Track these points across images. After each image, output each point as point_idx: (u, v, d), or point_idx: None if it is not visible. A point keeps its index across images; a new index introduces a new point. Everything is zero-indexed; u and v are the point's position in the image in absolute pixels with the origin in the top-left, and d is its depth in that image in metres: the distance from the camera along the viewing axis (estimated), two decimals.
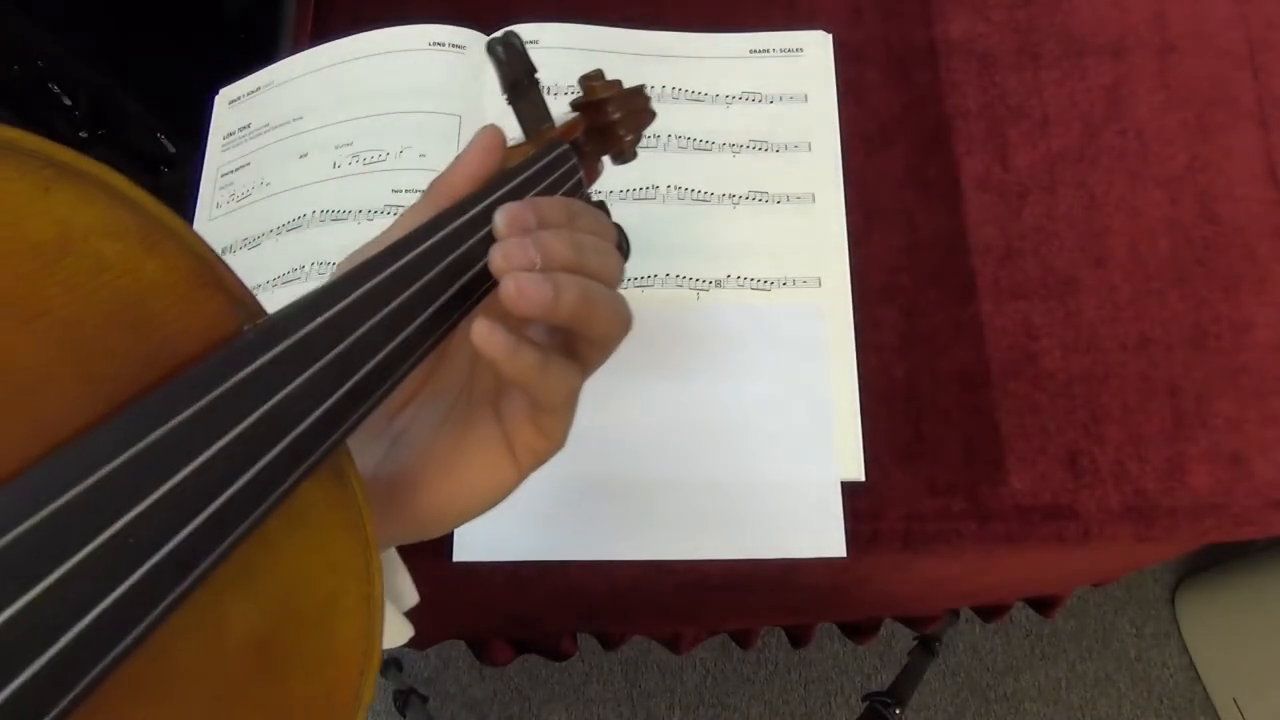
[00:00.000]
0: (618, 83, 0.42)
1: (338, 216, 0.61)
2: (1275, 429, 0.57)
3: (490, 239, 0.30)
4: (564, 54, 0.65)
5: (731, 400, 0.57)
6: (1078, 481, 0.56)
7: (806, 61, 0.66)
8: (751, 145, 0.63)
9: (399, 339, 0.27)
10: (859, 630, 0.94)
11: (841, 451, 0.55)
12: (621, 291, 0.32)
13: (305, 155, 0.64)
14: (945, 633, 0.95)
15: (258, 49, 0.69)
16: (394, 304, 0.27)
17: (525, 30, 0.65)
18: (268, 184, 0.64)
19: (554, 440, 0.33)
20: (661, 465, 0.55)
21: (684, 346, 0.58)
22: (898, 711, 0.83)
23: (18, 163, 0.19)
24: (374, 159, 0.62)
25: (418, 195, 0.61)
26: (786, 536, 0.54)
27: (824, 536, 0.54)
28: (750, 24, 0.67)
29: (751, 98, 0.64)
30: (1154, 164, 0.63)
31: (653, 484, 0.55)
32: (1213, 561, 1.39)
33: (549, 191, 0.36)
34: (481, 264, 0.30)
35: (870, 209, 0.62)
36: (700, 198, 0.62)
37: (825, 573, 0.62)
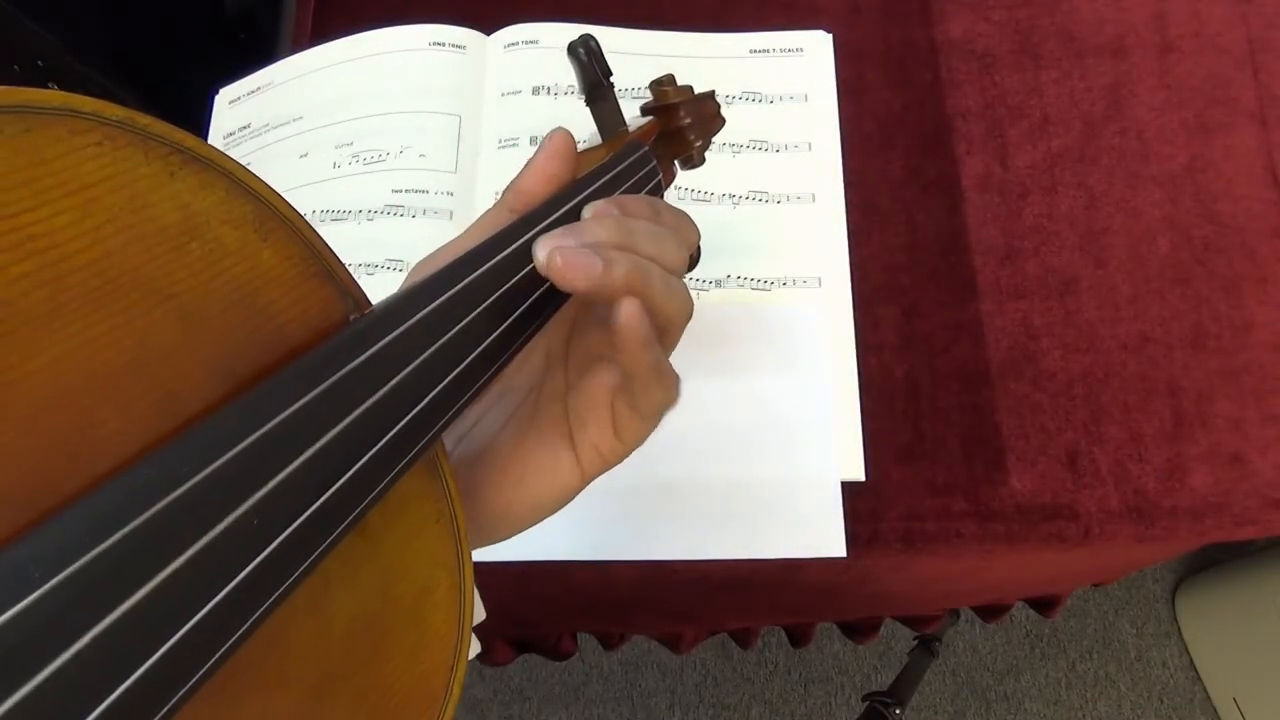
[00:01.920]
0: (689, 88, 0.42)
1: (338, 216, 0.61)
2: (1275, 429, 0.57)
3: None
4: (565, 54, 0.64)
5: (731, 400, 0.57)
6: (1078, 481, 0.56)
7: (806, 61, 0.66)
8: (751, 145, 0.63)
9: (494, 335, 0.28)
10: (859, 630, 0.94)
11: (841, 451, 0.55)
12: None
13: (305, 155, 0.64)
14: (945, 633, 0.95)
15: (258, 49, 0.69)
16: (489, 301, 0.27)
17: (525, 30, 0.65)
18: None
19: (626, 444, 0.33)
20: (662, 466, 0.55)
21: (684, 347, 0.57)
22: (898, 711, 0.83)
23: (145, 148, 0.20)
24: (374, 159, 0.62)
25: (417, 195, 0.61)
26: (786, 536, 0.54)
27: (824, 536, 0.54)
28: (750, 24, 0.67)
29: (751, 98, 0.64)
30: (1154, 164, 0.63)
31: (653, 484, 0.55)
32: (1213, 561, 1.39)
33: (632, 192, 0.36)
34: None
35: (870, 209, 0.62)
36: (700, 198, 0.62)
37: (825, 573, 0.61)
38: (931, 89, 0.65)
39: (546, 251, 0.28)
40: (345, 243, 0.60)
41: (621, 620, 0.90)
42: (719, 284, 0.59)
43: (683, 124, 0.42)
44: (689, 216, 0.35)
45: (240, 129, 0.66)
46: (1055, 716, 1.38)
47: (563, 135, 0.34)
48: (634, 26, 0.66)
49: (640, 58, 0.65)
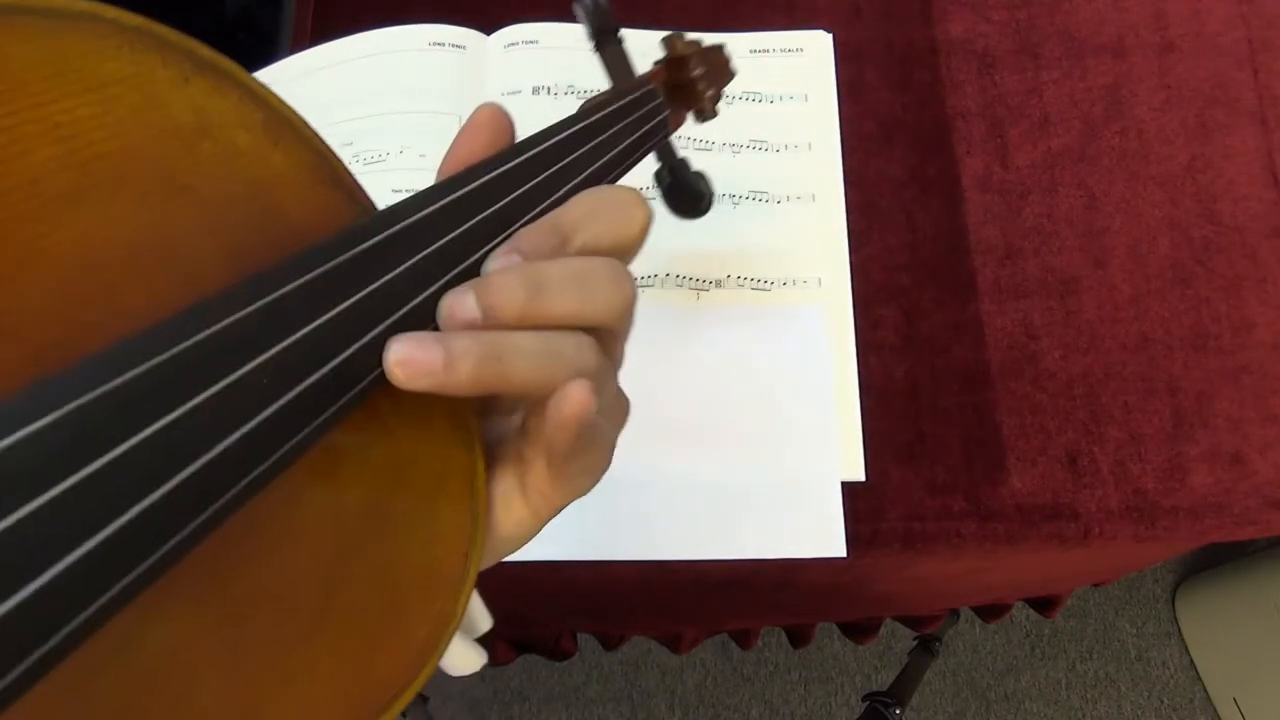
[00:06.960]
0: (698, 41, 0.43)
1: None
2: (1275, 429, 0.57)
3: (571, 168, 0.30)
4: (565, 54, 0.65)
5: (731, 400, 0.57)
6: (1078, 481, 0.56)
7: (806, 61, 0.66)
8: (751, 145, 0.63)
9: (497, 241, 0.28)
10: (859, 630, 0.94)
11: (841, 451, 0.55)
12: None
13: None
14: (945, 633, 0.95)
15: (258, 49, 0.69)
16: (497, 206, 0.28)
17: (525, 30, 0.65)
18: None
19: (575, 493, 0.29)
20: (661, 465, 0.55)
21: (684, 346, 0.58)
22: (898, 711, 0.83)
23: (162, 53, 0.22)
24: (374, 159, 0.62)
25: None
26: (786, 536, 0.54)
27: (824, 536, 0.54)
28: (750, 24, 0.67)
29: (751, 98, 0.64)
30: (1154, 164, 0.63)
31: (653, 484, 0.55)
32: (1213, 561, 1.39)
33: (634, 128, 0.35)
34: (572, 185, 0.30)
35: (870, 209, 0.62)
36: None
37: (825, 573, 0.61)
38: (931, 89, 0.65)
39: (393, 353, 0.23)
40: None
41: (621, 620, 0.90)
42: (719, 284, 0.59)
43: (694, 75, 0.43)
44: (624, 195, 0.27)
45: None
46: (1055, 716, 1.38)
47: (487, 110, 0.29)
48: (634, 27, 0.66)
49: (640, 58, 0.65)
